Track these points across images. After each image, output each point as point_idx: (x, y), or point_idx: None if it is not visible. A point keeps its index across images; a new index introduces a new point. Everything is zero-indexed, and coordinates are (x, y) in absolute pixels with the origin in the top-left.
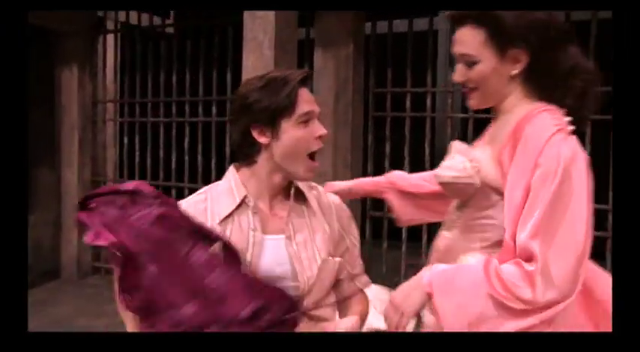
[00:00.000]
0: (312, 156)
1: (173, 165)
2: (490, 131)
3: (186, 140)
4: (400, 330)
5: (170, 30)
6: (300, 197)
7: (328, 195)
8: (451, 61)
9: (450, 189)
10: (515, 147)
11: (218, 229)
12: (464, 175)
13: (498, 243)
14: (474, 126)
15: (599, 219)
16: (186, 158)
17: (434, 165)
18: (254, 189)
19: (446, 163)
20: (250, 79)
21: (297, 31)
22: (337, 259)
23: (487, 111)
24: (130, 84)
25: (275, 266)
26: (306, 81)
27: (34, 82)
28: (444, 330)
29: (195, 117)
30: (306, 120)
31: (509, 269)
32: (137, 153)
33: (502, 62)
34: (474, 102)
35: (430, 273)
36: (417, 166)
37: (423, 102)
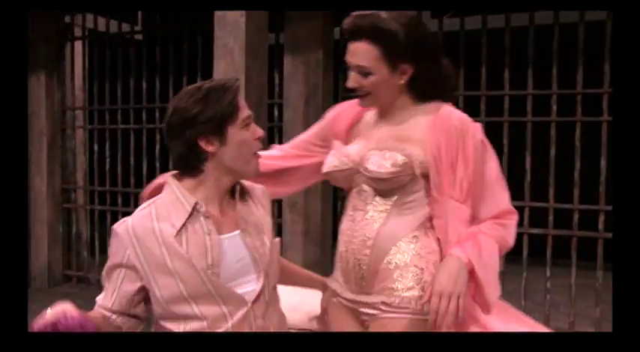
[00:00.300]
0: (256, 154)
1: (144, 172)
2: (390, 129)
3: (157, 147)
4: (453, 314)
5: (139, 36)
6: (243, 193)
7: (253, 184)
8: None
9: (387, 182)
10: (446, 136)
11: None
12: (403, 168)
13: (426, 219)
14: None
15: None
16: (157, 164)
17: None
18: (202, 195)
19: (377, 160)
20: (183, 92)
21: (268, 36)
22: (277, 239)
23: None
24: (99, 91)
25: (235, 263)
26: (239, 88)
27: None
28: (486, 297)
29: None
30: (247, 123)
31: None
32: (107, 160)
33: (392, 74)
34: (365, 103)
35: (464, 254)
36: None
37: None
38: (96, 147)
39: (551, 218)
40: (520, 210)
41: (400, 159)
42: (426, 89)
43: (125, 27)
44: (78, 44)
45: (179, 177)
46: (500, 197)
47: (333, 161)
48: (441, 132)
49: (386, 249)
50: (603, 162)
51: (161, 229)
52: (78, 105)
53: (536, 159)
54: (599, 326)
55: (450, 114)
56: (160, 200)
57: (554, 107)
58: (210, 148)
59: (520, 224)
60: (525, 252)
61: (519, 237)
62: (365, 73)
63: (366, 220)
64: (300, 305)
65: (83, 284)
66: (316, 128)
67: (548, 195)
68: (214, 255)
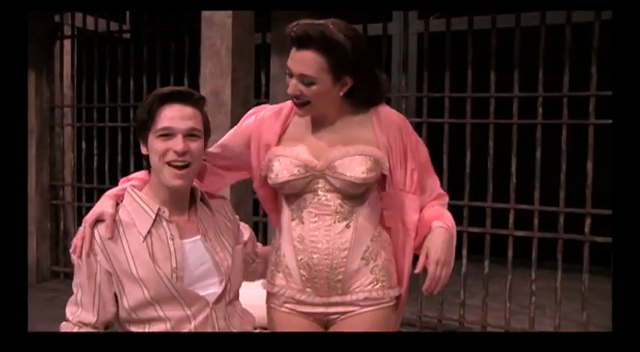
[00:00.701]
0: (176, 166)
1: (131, 169)
2: (334, 133)
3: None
4: (446, 280)
5: (127, 35)
6: (203, 199)
7: (212, 194)
8: (404, 66)
9: (362, 186)
10: (393, 132)
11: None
12: (376, 171)
13: (384, 217)
14: (427, 130)
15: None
16: (144, 163)
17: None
18: (160, 200)
19: (350, 165)
20: None
21: (255, 37)
22: (240, 246)
23: (440, 116)
24: (87, 89)
25: (198, 267)
26: (177, 97)
27: None
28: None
29: None
30: (165, 134)
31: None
32: (95, 158)
33: (334, 85)
34: (303, 112)
35: (446, 225)
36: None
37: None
38: (84, 145)
39: (536, 220)
40: (505, 212)
41: (374, 161)
42: (361, 99)
43: (114, 26)
44: (67, 43)
45: (139, 187)
46: (435, 182)
47: (289, 169)
48: (388, 129)
49: (361, 248)
50: (590, 165)
51: (127, 236)
52: (66, 103)
53: (522, 161)
54: (586, 330)
55: (390, 111)
56: (123, 210)
57: (540, 109)
58: (144, 151)
59: (505, 226)
60: (510, 254)
61: (504, 238)
62: (308, 82)
63: (336, 225)
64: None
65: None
66: (236, 135)
67: (533, 197)
68: (178, 258)
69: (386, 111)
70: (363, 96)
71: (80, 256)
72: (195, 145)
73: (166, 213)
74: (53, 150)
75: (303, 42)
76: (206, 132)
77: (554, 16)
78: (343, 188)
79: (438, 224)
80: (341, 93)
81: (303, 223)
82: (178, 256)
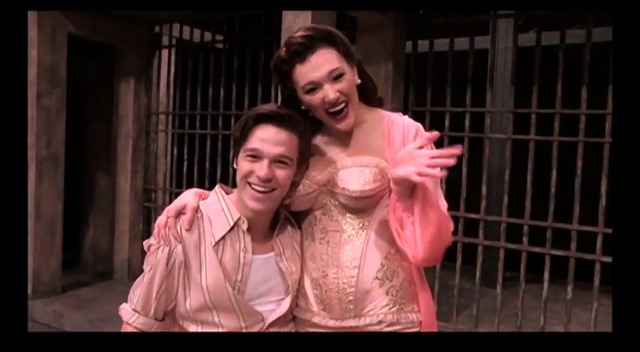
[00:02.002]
0: (257, 190)
1: (218, 176)
2: (345, 147)
3: (231, 152)
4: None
5: (220, 45)
6: (288, 218)
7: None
8: (491, 81)
9: (368, 199)
10: (402, 142)
11: (210, 253)
12: (382, 182)
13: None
14: (512, 146)
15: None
16: (231, 170)
17: (470, 184)
18: (243, 210)
19: (355, 178)
20: None
21: None
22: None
23: (526, 131)
24: (182, 96)
25: (262, 284)
26: (274, 119)
27: (96, 95)
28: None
29: None
30: (252, 155)
31: None
32: (185, 163)
33: (353, 72)
34: (348, 120)
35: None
36: (453, 185)
37: (462, 122)
38: (175, 151)
39: (549, 236)
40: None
41: (376, 173)
42: (368, 92)
43: (208, 36)
44: (165, 53)
45: (226, 189)
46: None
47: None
48: (397, 139)
49: (374, 267)
50: (604, 184)
51: (202, 239)
52: (162, 110)
53: (537, 178)
54: None
55: (400, 120)
56: (206, 208)
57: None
58: (235, 165)
59: (519, 241)
60: (523, 270)
61: (518, 254)
62: (338, 75)
63: (345, 241)
64: None
65: None
66: None
67: (547, 214)
68: (244, 272)
69: (397, 119)
70: (368, 88)
71: (161, 242)
72: (281, 173)
73: (245, 224)
74: (148, 155)
75: (309, 46)
76: (302, 159)
77: (574, 35)
78: (347, 203)
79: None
80: (358, 81)
81: (314, 241)
82: (245, 270)
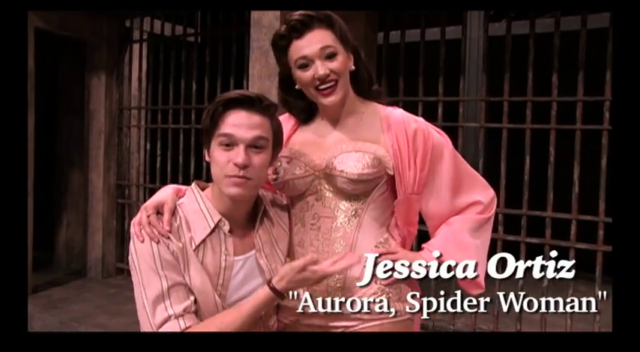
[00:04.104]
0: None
1: (192, 171)
2: (342, 134)
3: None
4: None
5: (191, 39)
6: (266, 211)
7: (277, 197)
8: (463, 70)
9: (364, 184)
10: (402, 134)
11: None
12: (378, 168)
13: (391, 218)
14: (485, 135)
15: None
16: (204, 163)
17: None
18: (222, 208)
19: (350, 162)
20: None
21: None
22: (289, 260)
23: (499, 121)
24: (154, 91)
25: (244, 285)
26: (243, 102)
27: (67, 90)
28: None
29: None
30: (227, 143)
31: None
32: (158, 158)
33: (348, 57)
34: (334, 96)
35: (429, 257)
36: None
37: (435, 112)
38: (148, 146)
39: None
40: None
41: (374, 159)
42: (362, 80)
43: (179, 30)
44: (136, 47)
45: (202, 185)
46: (473, 188)
47: (290, 169)
48: (396, 130)
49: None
50: (576, 171)
51: (184, 241)
52: (134, 105)
53: (511, 166)
54: None
55: (399, 112)
56: (183, 208)
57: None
58: (207, 159)
59: (517, 232)
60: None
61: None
62: (331, 54)
63: (337, 227)
64: None
65: None
66: None
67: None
68: (225, 276)
69: (395, 112)
70: (363, 78)
71: (153, 241)
72: (258, 159)
73: (227, 226)
74: (121, 151)
75: (306, 24)
76: (275, 143)
77: (569, 22)
78: (342, 187)
79: (428, 248)
80: (352, 67)
81: (304, 227)
82: (227, 273)
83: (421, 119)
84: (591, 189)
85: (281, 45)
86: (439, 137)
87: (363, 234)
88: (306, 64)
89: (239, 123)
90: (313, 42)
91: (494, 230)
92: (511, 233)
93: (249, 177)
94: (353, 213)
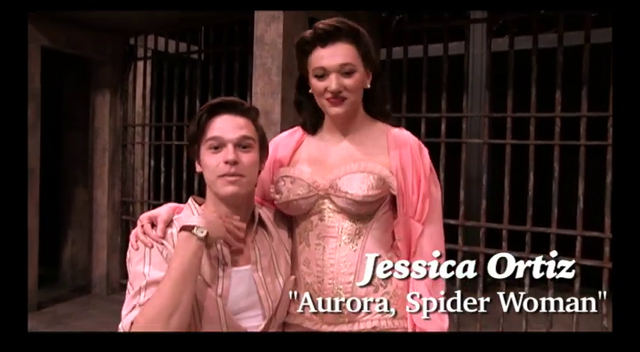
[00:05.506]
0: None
1: (195, 187)
2: (347, 152)
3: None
4: None
5: (195, 56)
6: (260, 220)
7: (268, 208)
8: (466, 86)
9: (368, 205)
10: (407, 156)
11: None
12: (383, 189)
13: (393, 240)
14: (488, 151)
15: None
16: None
17: (448, 190)
18: (216, 211)
19: (355, 183)
20: None
21: None
22: (293, 277)
23: (502, 137)
24: (158, 108)
25: (244, 298)
26: (227, 107)
27: (72, 108)
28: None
29: None
30: (215, 146)
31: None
32: (162, 175)
33: (366, 76)
34: (342, 108)
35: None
36: None
37: (438, 128)
38: (152, 163)
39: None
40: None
41: (378, 179)
42: (375, 101)
43: (183, 47)
44: (140, 64)
45: (199, 200)
46: (432, 240)
47: (294, 189)
48: (401, 150)
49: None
50: (581, 187)
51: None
52: (138, 122)
53: (515, 182)
54: None
55: (404, 134)
56: (179, 222)
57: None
58: (198, 169)
59: (522, 249)
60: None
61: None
62: (349, 70)
63: (341, 248)
64: None
65: None
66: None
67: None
68: (224, 286)
69: (400, 132)
70: (377, 98)
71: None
72: (247, 157)
73: None
74: (125, 168)
75: (333, 35)
76: (262, 145)
77: (572, 37)
78: (347, 208)
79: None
80: (367, 86)
81: (309, 246)
82: (225, 283)
83: (416, 139)
84: (596, 205)
85: (304, 49)
86: (437, 185)
87: (367, 252)
88: (322, 74)
89: (225, 126)
90: (335, 55)
91: (499, 246)
92: (515, 249)
93: (241, 174)
94: (357, 232)
